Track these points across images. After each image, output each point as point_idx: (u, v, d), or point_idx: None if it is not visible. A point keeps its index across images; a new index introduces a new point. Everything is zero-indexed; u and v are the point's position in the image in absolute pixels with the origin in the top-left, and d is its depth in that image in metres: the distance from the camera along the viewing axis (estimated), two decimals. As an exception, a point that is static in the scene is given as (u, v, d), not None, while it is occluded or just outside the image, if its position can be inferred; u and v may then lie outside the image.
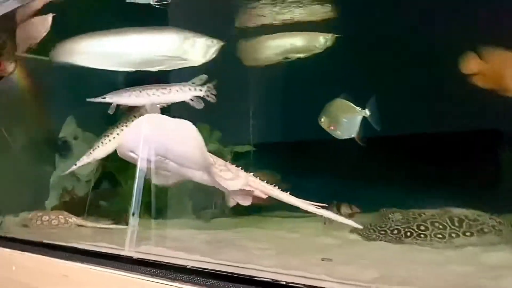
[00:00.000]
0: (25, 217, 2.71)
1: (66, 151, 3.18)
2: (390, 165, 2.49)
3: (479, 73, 1.78)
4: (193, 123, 1.57)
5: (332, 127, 2.26)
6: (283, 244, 2.04)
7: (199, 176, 1.69)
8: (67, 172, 2.48)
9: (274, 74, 2.71)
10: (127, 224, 2.53)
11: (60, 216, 2.59)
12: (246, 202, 1.74)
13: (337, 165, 2.67)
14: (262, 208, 2.88)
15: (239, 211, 2.77)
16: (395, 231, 1.84)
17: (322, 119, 2.27)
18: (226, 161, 1.83)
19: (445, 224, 1.81)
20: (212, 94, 2.04)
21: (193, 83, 2.04)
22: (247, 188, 1.70)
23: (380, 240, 1.84)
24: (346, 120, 2.22)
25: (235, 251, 1.83)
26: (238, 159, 2.81)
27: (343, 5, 2.52)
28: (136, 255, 1.59)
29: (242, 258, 1.59)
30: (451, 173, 2.36)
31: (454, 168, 2.38)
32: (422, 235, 1.79)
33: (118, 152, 1.77)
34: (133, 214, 2.52)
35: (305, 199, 1.70)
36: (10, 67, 2.83)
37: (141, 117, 1.78)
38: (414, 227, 1.83)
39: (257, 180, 1.73)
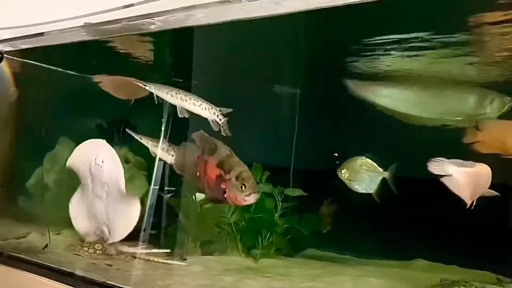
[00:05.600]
0: (75, 242, 2.70)
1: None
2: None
3: (479, 141, 2.09)
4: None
5: (350, 180, 2.57)
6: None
7: None
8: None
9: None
10: (182, 259, 2.65)
11: (115, 245, 2.62)
12: None
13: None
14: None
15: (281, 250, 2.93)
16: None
17: (342, 171, 2.58)
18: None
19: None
20: (226, 128, 2.24)
21: (219, 109, 2.25)
22: None
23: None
24: (367, 177, 2.53)
25: None
26: (288, 201, 2.91)
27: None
28: None
29: None
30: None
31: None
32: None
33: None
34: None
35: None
36: (251, 197, 1.88)
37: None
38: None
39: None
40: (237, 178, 1.92)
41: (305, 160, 3.34)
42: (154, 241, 2.76)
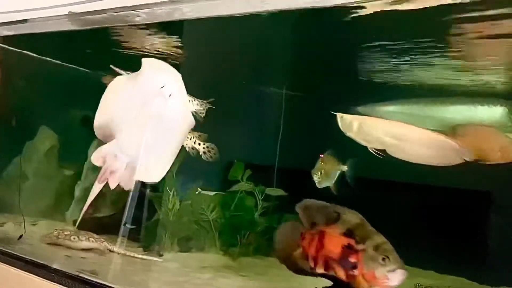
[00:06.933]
0: (51, 233, 2.66)
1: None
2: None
3: None
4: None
5: (321, 179, 2.54)
6: None
7: None
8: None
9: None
10: (159, 255, 2.63)
11: (91, 239, 2.58)
12: None
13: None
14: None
15: (260, 250, 2.91)
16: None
17: (318, 173, 2.54)
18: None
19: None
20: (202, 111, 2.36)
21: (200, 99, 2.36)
22: None
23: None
24: (332, 173, 2.53)
25: None
26: (268, 200, 2.89)
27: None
28: None
29: None
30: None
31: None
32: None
33: None
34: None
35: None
36: (396, 275, 1.45)
37: None
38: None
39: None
40: (376, 248, 1.53)
41: (290, 160, 3.32)
42: (132, 236, 2.74)
